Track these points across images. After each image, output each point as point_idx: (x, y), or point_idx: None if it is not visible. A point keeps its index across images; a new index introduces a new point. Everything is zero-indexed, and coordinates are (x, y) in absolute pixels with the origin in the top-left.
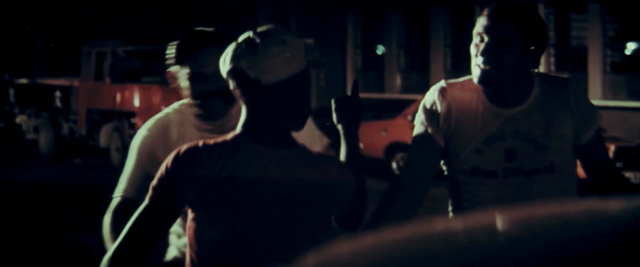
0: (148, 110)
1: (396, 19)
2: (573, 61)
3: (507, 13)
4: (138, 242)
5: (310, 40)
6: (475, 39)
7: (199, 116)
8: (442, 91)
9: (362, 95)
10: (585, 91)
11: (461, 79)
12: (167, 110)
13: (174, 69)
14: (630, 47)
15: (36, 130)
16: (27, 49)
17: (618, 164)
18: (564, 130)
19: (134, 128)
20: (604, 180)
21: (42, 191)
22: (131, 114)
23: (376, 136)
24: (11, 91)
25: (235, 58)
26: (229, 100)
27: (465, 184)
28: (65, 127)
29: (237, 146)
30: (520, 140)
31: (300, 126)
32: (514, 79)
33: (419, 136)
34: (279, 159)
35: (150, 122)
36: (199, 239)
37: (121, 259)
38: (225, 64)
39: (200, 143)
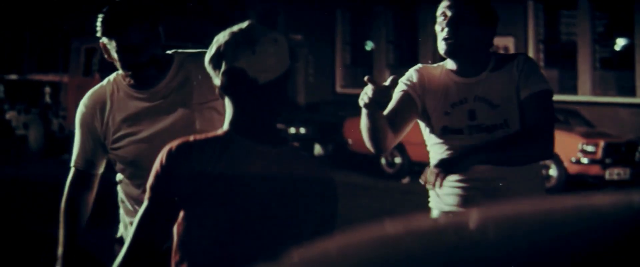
0: None
1: (385, 15)
2: (562, 57)
3: None
4: (146, 243)
5: (299, 37)
6: (439, 19)
7: (132, 86)
8: (418, 69)
9: (351, 91)
10: (531, 61)
11: (433, 65)
12: (103, 82)
13: (104, 40)
14: (620, 43)
15: (26, 126)
16: (16, 45)
17: (607, 161)
18: (510, 92)
19: None
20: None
21: (31, 187)
22: None
23: None
24: (0, 87)
25: (231, 58)
26: (160, 69)
27: (437, 143)
28: (55, 123)
29: (229, 142)
30: (479, 102)
31: (277, 121)
32: (473, 53)
33: (398, 93)
34: (268, 155)
35: (86, 97)
36: (189, 238)
37: (133, 262)
38: (216, 63)
39: (191, 138)
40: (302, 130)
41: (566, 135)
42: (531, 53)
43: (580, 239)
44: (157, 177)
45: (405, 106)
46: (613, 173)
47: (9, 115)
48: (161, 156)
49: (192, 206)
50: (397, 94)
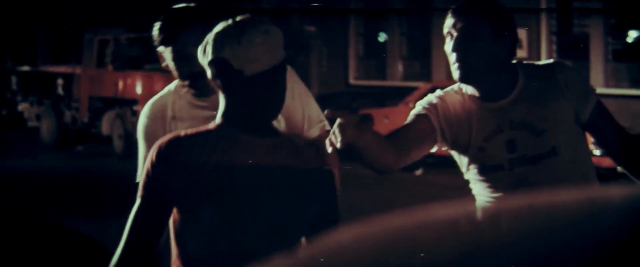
0: (150, 98)
1: (398, 6)
2: (575, 49)
3: (468, 7)
4: (140, 242)
5: (312, 28)
6: (446, 39)
7: (194, 94)
8: (439, 96)
9: (364, 82)
10: (573, 69)
11: (452, 87)
12: (162, 92)
13: (160, 49)
14: (632, 35)
15: (38, 118)
16: (29, 36)
17: None
18: (561, 114)
19: (136, 115)
20: (623, 150)
21: (44, 179)
22: (133, 101)
23: (378, 124)
24: (13, 79)
25: (217, 48)
26: None
27: (477, 181)
28: (68, 115)
29: (220, 135)
30: (517, 129)
31: (274, 116)
32: (493, 70)
33: (413, 115)
34: (262, 147)
35: (146, 107)
36: (184, 234)
37: (128, 262)
38: (206, 54)
39: (182, 133)
40: None
41: None
42: (543, 45)
43: (591, 231)
44: (147, 174)
45: (420, 132)
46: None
47: (22, 106)
48: (151, 153)
49: (184, 201)
50: (412, 116)
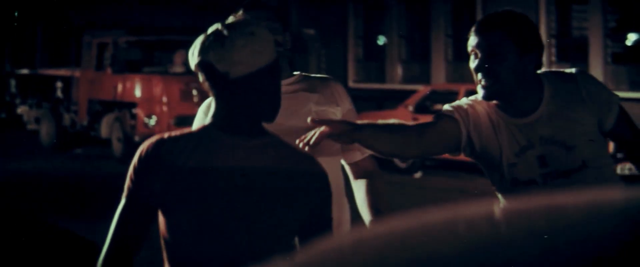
0: (149, 101)
1: (397, 9)
2: (574, 52)
3: (492, 24)
4: (124, 243)
5: (311, 31)
6: (471, 57)
7: None
8: (470, 103)
9: (363, 85)
10: (594, 80)
11: (480, 99)
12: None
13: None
14: (631, 38)
15: (37, 120)
16: (28, 39)
17: (619, 156)
18: (585, 126)
19: (135, 118)
20: None
21: (43, 182)
22: (132, 104)
23: None
24: (12, 82)
25: (203, 51)
26: None
27: (509, 195)
28: (67, 118)
29: (204, 136)
30: (548, 144)
31: (271, 118)
32: (520, 86)
33: (440, 115)
34: (246, 149)
35: (205, 104)
36: (170, 234)
37: (112, 263)
38: (193, 56)
39: (166, 135)
40: None
41: None
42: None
43: (589, 234)
44: (130, 177)
45: (445, 133)
46: (624, 168)
47: (21, 109)
48: (135, 156)
49: (169, 203)
50: (440, 116)
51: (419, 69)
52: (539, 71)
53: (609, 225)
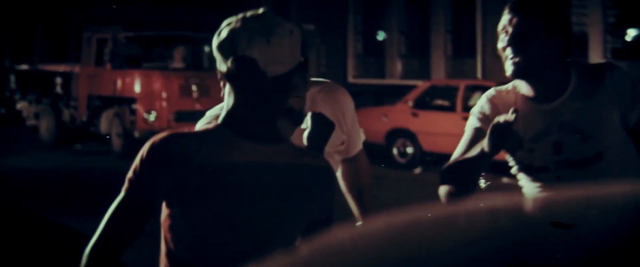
0: (149, 96)
1: (397, 4)
2: (574, 47)
3: (523, 4)
4: (115, 237)
5: (311, 26)
6: (501, 36)
7: None
8: (490, 97)
9: (362, 81)
10: (623, 72)
11: (505, 86)
12: None
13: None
14: (631, 33)
15: (37, 116)
16: (27, 35)
17: None
18: (609, 119)
19: (134, 114)
20: None
21: (43, 177)
22: (132, 100)
23: (377, 122)
24: (12, 77)
25: (245, 46)
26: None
27: (525, 179)
28: (66, 114)
29: (214, 136)
30: (566, 131)
31: (298, 122)
32: (547, 71)
33: (469, 132)
34: (255, 153)
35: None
36: (173, 234)
37: (99, 256)
38: (229, 50)
39: (178, 131)
40: None
41: None
42: None
43: (592, 228)
44: (135, 170)
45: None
46: None
47: (20, 105)
48: (143, 150)
49: (174, 199)
50: (469, 131)
51: (419, 65)
52: (568, 59)
53: (607, 221)
